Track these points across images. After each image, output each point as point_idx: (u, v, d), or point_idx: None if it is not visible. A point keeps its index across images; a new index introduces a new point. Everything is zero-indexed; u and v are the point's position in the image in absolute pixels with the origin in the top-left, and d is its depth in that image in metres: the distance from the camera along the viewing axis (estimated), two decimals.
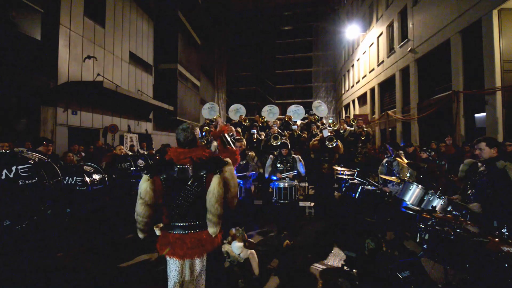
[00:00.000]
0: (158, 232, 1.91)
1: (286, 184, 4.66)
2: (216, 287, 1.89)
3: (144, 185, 1.77)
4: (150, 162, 6.61)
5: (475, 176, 2.94)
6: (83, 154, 7.37)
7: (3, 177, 3.02)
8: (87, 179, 4.46)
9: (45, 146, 4.05)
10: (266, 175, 5.20)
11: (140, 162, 6.47)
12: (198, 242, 1.79)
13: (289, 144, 5.37)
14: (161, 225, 1.90)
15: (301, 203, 5.68)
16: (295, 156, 5.23)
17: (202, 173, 1.81)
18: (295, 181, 4.90)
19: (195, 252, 1.79)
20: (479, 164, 2.95)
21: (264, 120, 8.78)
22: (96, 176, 4.68)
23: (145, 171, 1.83)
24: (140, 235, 1.85)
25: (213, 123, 8.81)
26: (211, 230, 1.81)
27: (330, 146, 6.07)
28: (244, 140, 5.35)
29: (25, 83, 8.18)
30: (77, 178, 4.39)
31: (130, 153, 7.88)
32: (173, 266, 1.81)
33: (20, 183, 3.10)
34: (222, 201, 1.79)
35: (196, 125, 16.30)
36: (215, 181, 1.77)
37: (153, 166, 1.97)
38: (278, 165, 5.12)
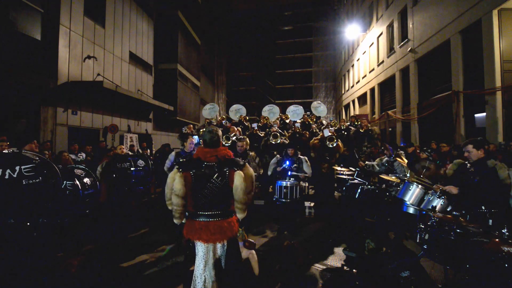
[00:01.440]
0: (184, 220, 2.18)
1: (288, 183, 4.65)
2: (234, 270, 2.16)
3: (177, 179, 2.04)
4: (150, 162, 6.64)
5: (465, 176, 2.97)
6: (84, 154, 7.30)
7: (6, 177, 3.02)
8: (78, 182, 4.33)
9: (30, 144, 3.93)
10: (269, 173, 5.18)
11: (140, 163, 6.48)
12: (220, 229, 2.07)
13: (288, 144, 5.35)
14: (187, 214, 2.17)
15: None
16: (301, 157, 5.18)
17: (225, 170, 2.09)
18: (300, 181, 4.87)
19: (217, 237, 2.07)
20: (468, 165, 2.99)
21: (268, 121, 8.79)
22: (87, 180, 4.55)
23: (178, 167, 2.10)
24: (176, 221, 2.14)
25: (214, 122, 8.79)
26: (240, 215, 2.14)
27: (331, 146, 6.06)
28: (247, 139, 5.34)
29: (25, 83, 8.18)
30: (68, 182, 4.23)
31: (130, 153, 7.86)
32: (200, 248, 2.13)
33: (24, 183, 3.10)
34: (246, 192, 2.09)
35: (196, 125, 16.20)
36: (239, 176, 2.05)
37: (184, 163, 2.25)
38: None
